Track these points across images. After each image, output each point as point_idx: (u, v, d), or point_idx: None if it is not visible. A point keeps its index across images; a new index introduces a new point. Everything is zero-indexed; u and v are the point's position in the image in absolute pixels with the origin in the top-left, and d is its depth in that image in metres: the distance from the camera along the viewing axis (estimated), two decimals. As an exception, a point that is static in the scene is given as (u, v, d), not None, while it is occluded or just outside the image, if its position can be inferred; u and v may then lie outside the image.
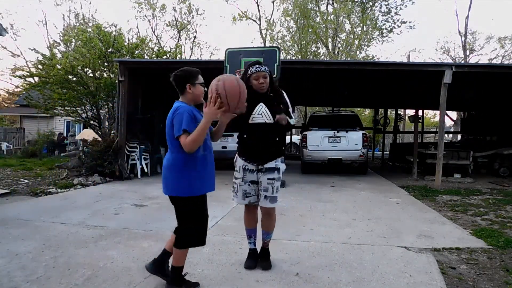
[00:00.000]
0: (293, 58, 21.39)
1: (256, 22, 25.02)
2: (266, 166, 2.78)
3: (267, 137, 2.77)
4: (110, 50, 10.41)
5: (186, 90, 2.35)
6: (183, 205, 2.34)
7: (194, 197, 2.33)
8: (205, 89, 2.41)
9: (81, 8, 39.63)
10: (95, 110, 10.84)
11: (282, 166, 2.86)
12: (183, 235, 2.38)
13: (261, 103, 2.78)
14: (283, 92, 2.93)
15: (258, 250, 3.03)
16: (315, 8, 22.02)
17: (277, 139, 2.81)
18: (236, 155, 2.95)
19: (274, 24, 24.09)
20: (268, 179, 2.77)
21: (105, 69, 10.59)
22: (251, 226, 2.99)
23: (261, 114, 2.77)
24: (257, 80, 2.74)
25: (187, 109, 2.27)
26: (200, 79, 2.39)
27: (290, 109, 2.88)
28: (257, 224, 2.99)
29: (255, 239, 3.00)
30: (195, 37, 27.09)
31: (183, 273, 2.50)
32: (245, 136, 2.83)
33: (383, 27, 21.63)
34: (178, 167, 2.31)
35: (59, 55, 12.35)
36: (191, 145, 2.18)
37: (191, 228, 2.37)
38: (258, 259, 2.98)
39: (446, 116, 12.10)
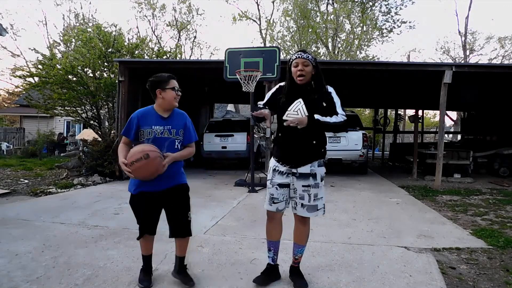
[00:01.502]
0: (293, 58, 21.35)
1: (256, 22, 25.06)
2: (299, 170, 2.45)
3: (301, 138, 2.42)
4: (110, 50, 10.41)
5: (157, 96, 2.42)
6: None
7: (133, 194, 2.49)
8: (179, 93, 2.45)
9: (81, 8, 39.59)
10: (95, 110, 10.85)
11: (320, 171, 2.49)
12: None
13: (300, 99, 2.44)
14: (331, 89, 2.54)
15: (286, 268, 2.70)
16: (315, 8, 22.03)
17: (314, 141, 2.44)
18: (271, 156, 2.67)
19: (274, 24, 24.13)
20: (303, 186, 2.45)
21: (105, 69, 10.59)
22: (272, 238, 2.60)
23: (297, 111, 2.42)
24: (296, 67, 2.42)
25: (134, 114, 2.45)
26: (172, 84, 2.42)
27: (338, 107, 2.49)
28: (281, 236, 2.64)
29: (275, 253, 2.61)
30: (195, 37, 27.17)
31: (184, 263, 2.64)
32: (279, 134, 2.52)
33: (383, 27, 21.68)
34: None
35: (59, 55, 12.36)
36: (117, 151, 2.45)
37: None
38: (274, 278, 2.62)
39: (446, 116, 12.09)
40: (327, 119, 2.41)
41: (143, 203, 2.48)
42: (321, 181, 2.50)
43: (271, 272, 2.61)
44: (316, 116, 2.38)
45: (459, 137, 18.40)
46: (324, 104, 2.46)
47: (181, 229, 2.61)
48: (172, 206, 2.56)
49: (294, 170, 2.47)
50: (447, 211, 5.35)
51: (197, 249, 3.33)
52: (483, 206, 5.70)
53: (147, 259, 2.62)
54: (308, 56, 2.44)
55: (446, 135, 17.85)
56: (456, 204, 5.88)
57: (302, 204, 2.46)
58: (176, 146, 2.46)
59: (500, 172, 9.89)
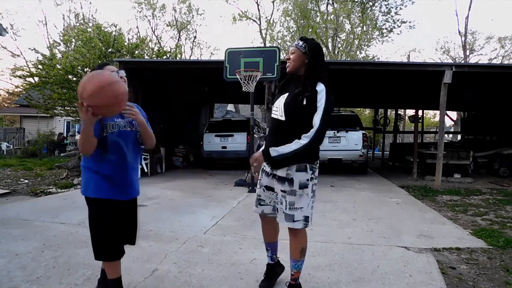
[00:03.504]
0: (293, 58, 21.35)
1: (256, 22, 25.03)
2: (277, 173, 2.21)
3: (278, 137, 2.19)
4: (110, 50, 10.44)
5: None
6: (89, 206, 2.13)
7: (92, 198, 2.10)
8: (120, 75, 2.11)
9: (81, 8, 39.59)
10: (95, 110, 10.84)
11: (299, 176, 2.14)
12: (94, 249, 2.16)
13: (287, 93, 2.19)
14: (321, 88, 2.10)
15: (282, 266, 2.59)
16: (315, 8, 22.02)
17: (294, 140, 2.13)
18: None
19: (274, 24, 24.11)
20: (281, 190, 2.20)
21: (105, 69, 10.60)
22: (266, 240, 2.49)
23: (278, 107, 2.20)
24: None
25: None
26: (107, 70, 2.11)
27: (318, 115, 2.06)
28: (278, 236, 2.52)
29: (273, 253, 2.50)
30: (195, 37, 27.17)
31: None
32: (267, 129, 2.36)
33: (383, 27, 21.64)
34: (84, 167, 2.16)
35: (59, 55, 12.36)
36: (80, 147, 1.96)
37: (92, 236, 2.13)
38: (277, 276, 2.55)
39: (446, 116, 12.09)
40: (285, 149, 2.10)
41: (110, 214, 2.09)
42: (301, 188, 2.14)
43: (269, 273, 2.53)
44: (271, 151, 2.14)
45: (459, 137, 18.40)
46: (304, 103, 2.07)
47: (134, 238, 2.34)
48: (130, 217, 2.30)
49: (274, 172, 2.24)
50: (447, 211, 5.35)
51: (197, 249, 3.33)
52: (483, 206, 5.70)
53: (117, 283, 2.17)
54: (299, 43, 2.18)
55: (446, 135, 17.86)
56: (456, 204, 5.88)
57: (279, 209, 2.24)
58: (138, 139, 2.25)
59: (500, 172, 9.89)
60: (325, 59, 2.37)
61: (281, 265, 2.61)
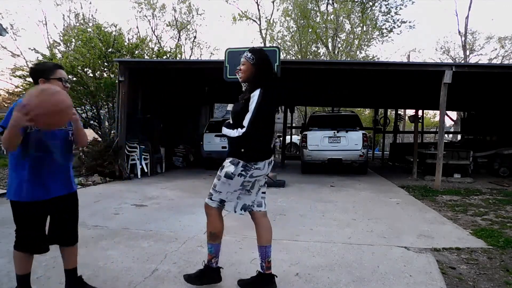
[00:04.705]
0: (293, 58, 21.40)
1: (256, 22, 24.99)
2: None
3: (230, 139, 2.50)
4: (110, 50, 10.41)
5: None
6: (13, 209, 2.16)
7: (22, 202, 2.10)
8: (66, 85, 2.19)
9: (81, 8, 39.45)
10: (95, 110, 10.85)
11: (228, 167, 2.39)
12: (16, 239, 2.21)
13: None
14: (255, 93, 2.35)
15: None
16: (315, 8, 22.00)
17: (234, 139, 2.42)
18: None
19: (274, 24, 24.06)
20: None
21: (105, 69, 10.60)
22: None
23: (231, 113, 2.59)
24: None
25: (15, 105, 1.98)
26: (59, 74, 2.16)
27: (246, 118, 2.33)
28: (265, 241, 2.52)
29: (261, 259, 2.54)
30: (195, 37, 27.06)
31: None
32: None
33: (383, 27, 21.62)
34: (11, 166, 2.12)
35: (59, 55, 12.34)
36: (4, 143, 1.93)
37: (20, 235, 2.21)
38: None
39: (446, 116, 12.10)
40: (230, 132, 2.40)
41: (35, 214, 2.14)
42: (225, 177, 2.39)
43: (257, 278, 2.50)
44: (222, 128, 2.48)
45: (459, 137, 18.40)
46: (242, 107, 2.39)
47: (70, 236, 2.31)
48: (61, 215, 2.25)
49: None
50: (447, 211, 5.35)
51: (197, 249, 3.33)
52: (483, 206, 5.70)
53: (25, 280, 2.23)
54: (248, 55, 2.44)
55: (446, 135, 17.86)
56: (456, 204, 5.88)
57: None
58: (70, 138, 2.22)
59: (500, 172, 9.88)
60: (273, 66, 2.65)
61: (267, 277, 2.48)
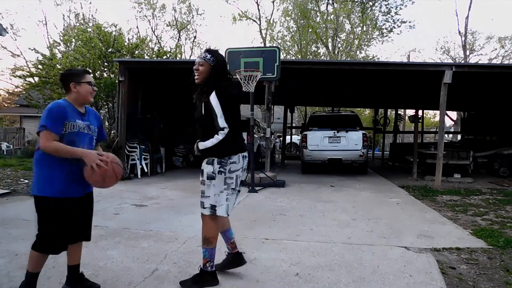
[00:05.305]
0: (293, 58, 21.38)
1: (256, 22, 24.99)
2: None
3: (198, 133, 2.54)
4: (110, 50, 10.43)
5: (71, 89, 2.30)
6: (42, 205, 2.22)
7: (54, 198, 2.18)
8: (94, 88, 2.37)
9: (81, 8, 39.52)
10: (95, 110, 10.86)
11: (206, 168, 2.43)
12: (39, 238, 2.24)
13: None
14: (213, 96, 2.38)
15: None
16: (315, 8, 22.01)
17: (203, 138, 2.48)
18: None
19: (274, 24, 24.06)
20: (200, 180, 2.51)
21: (105, 69, 10.61)
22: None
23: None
24: None
25: (56, 105, 2.22)
26: (88, 78, 2.34)
27: (220, 118, 2.35)
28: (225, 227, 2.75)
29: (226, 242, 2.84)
30: (195, 37, 27.09)
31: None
32: None
33: (383, 27, 21.63)
34: (40, 163, 2.22)
35: (59, 55, 12.36)
36: (51, 150, 2.13)
37: (44, 231, 2.22)
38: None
39: (446, 116, 12.10)
40: (212, 141, 2.39)
41: (69, 210, 2.24)
42: (208, 179, 2.42)
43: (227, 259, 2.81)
44: (199, 145, 2.46)
45: (459, 137, 18.40)
46: (203, 112, 2.45)
47: (90, 232, 2.46)
48: (87, 211, 2.41)
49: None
50: (447, 211, 5.35)
51: (197, 249, 3.33)
52: (483, 206, 5.70)
53: (34, 278, 2.27)
54: (207, 56, 2.46)
55: (446, 135, 17.86)
56: (456, 204, 5.88)
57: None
58: (93, 143, 2.40)
59: (500, 172, 9.88)
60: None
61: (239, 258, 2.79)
